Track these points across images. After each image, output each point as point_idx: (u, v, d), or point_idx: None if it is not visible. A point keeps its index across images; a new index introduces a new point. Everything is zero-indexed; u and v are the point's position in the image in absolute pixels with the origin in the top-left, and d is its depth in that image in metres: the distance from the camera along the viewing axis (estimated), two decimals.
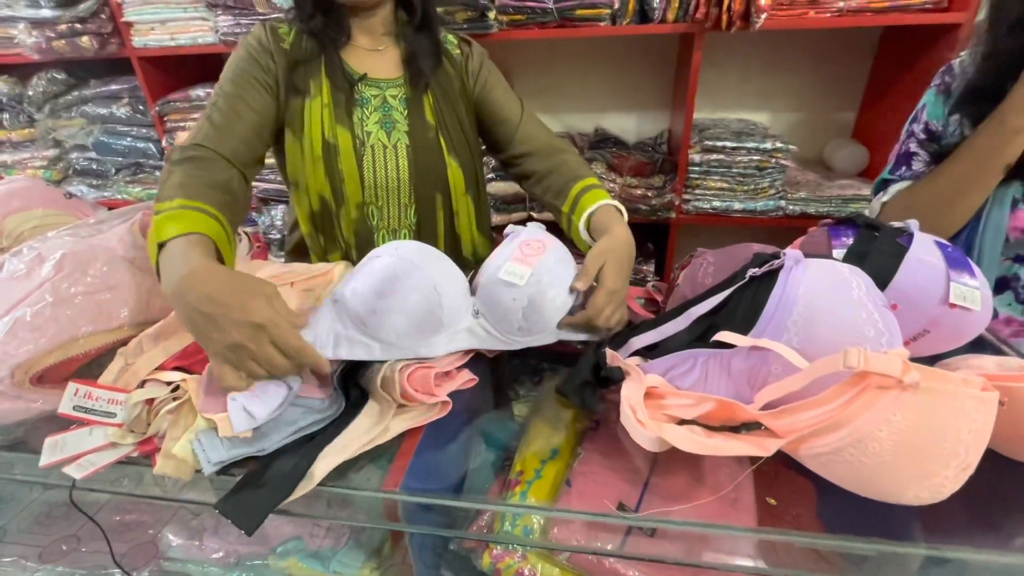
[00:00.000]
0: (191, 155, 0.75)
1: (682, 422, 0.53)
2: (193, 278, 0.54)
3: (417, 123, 0.92)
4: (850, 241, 0.69)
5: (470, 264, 1.01)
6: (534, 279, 0.63)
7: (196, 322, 0.53)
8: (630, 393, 0.53)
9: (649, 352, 0.63)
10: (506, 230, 0.74)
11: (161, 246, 0.60)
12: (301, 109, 0.87)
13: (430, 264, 0.63)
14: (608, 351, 0.61)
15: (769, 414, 0.48)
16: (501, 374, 0.80)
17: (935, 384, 0.40)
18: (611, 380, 0.59)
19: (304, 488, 0.51)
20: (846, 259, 0.64)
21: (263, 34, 0.88)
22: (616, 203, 0.84)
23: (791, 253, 0.56)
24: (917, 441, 0.40)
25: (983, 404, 0.39)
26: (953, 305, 0.57)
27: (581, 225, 0.83)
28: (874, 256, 0.63)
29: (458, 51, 0.98)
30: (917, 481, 0.42)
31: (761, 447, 0.47)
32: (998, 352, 0.67)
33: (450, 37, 0.99)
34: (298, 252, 1.01)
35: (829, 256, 0.64)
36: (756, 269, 0.57)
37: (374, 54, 0.93)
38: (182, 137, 1.71)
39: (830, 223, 0.76)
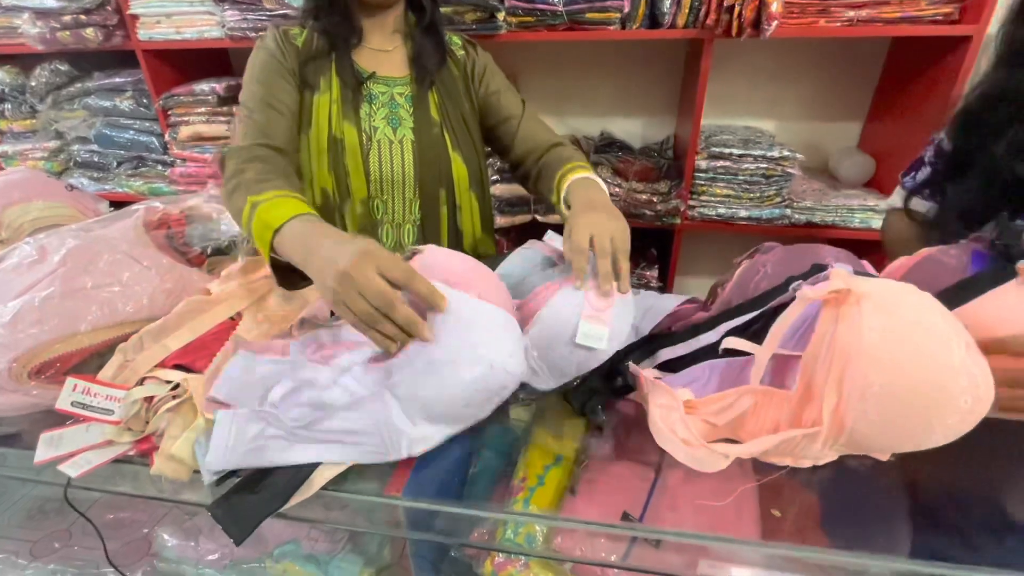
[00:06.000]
0: (257, 154, 0.78)
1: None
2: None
3: (422, 119, 0.93)
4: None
5: None
6: (611, 340, 0.58)
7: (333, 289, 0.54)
8: (665, 413, 0.52)
9: (673, 364, 0.61)
10: (526, 244, 0.74)
11: (276, 232, 0.63)
12: (310, 104, 0.89)
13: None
14: (631, 365, 0.60)
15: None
16: None
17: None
18: (623, 390, 0.58)
19: (301, 496, 0.50)
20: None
21: (276, 34, 0.90)
22: (579, 173, 0.82)
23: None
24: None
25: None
26: None
27: (562, 205, 0.82)
28: None
29: (463, 52, 1.00)
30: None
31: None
32: None
33: (455, 38, 1.01)
34: None
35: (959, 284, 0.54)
36: (798, 283, 0.55)
37: (383, 54, 0.95)
38: (186, 133, 1.69)
39: (976, 246, 0.61)
